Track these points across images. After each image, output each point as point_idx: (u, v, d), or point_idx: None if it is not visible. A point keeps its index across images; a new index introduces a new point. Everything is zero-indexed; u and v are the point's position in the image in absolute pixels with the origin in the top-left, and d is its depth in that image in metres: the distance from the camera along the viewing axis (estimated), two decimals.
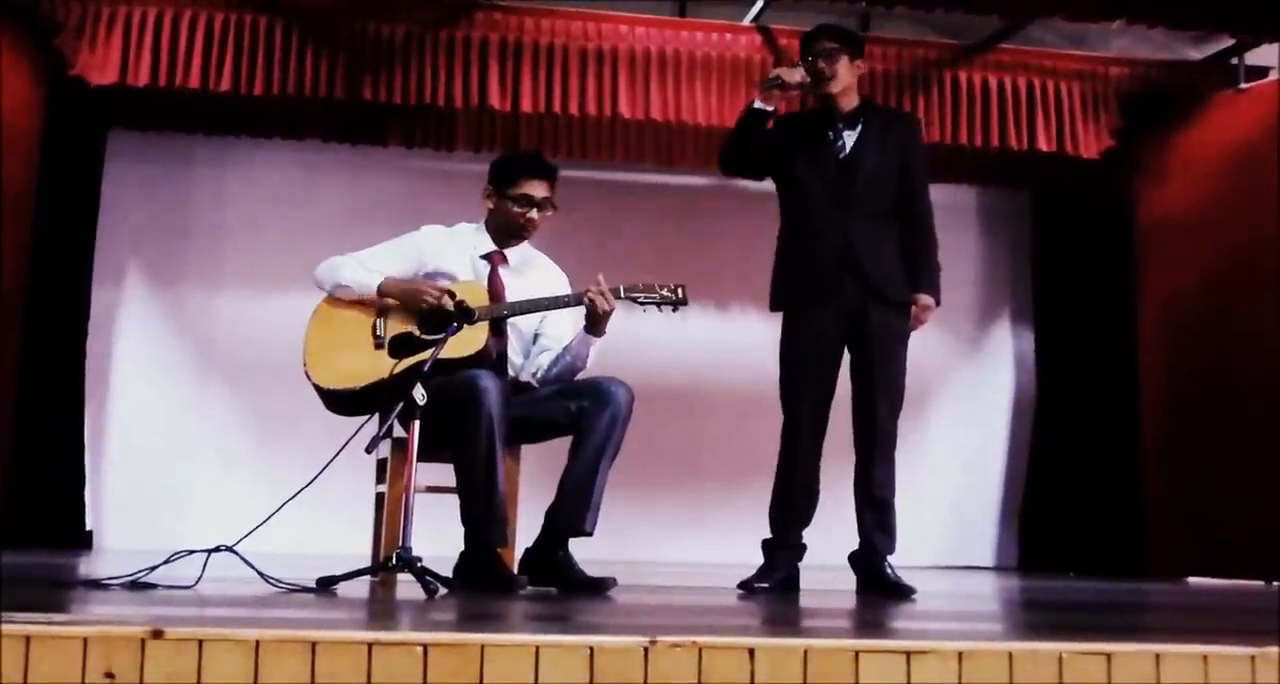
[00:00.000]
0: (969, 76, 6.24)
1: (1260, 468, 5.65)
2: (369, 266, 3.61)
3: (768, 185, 4.04)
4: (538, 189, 3.67)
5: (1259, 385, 5.77)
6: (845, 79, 3.85)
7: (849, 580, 3.81)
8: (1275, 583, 5.48)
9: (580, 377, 3.66)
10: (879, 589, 3.64)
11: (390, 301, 3.54)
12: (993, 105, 6.23)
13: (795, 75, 3.78)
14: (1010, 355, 7.74)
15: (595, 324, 3.56)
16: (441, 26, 5.89)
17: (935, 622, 2.78)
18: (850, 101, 3.89)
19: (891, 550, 3.73)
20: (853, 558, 3.78)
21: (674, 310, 3.66)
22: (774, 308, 3.91)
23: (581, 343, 3.62)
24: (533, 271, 3.77)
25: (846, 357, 3.83)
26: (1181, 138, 6.43)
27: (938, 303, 3.85)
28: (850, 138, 3.84)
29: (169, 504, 6.54)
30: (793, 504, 3.79)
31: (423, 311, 3.49)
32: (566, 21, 5.98)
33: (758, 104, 3.80)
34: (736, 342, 6.95)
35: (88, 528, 6.43)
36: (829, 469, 3.84)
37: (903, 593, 3.59)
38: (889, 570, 3.69)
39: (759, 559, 3.81)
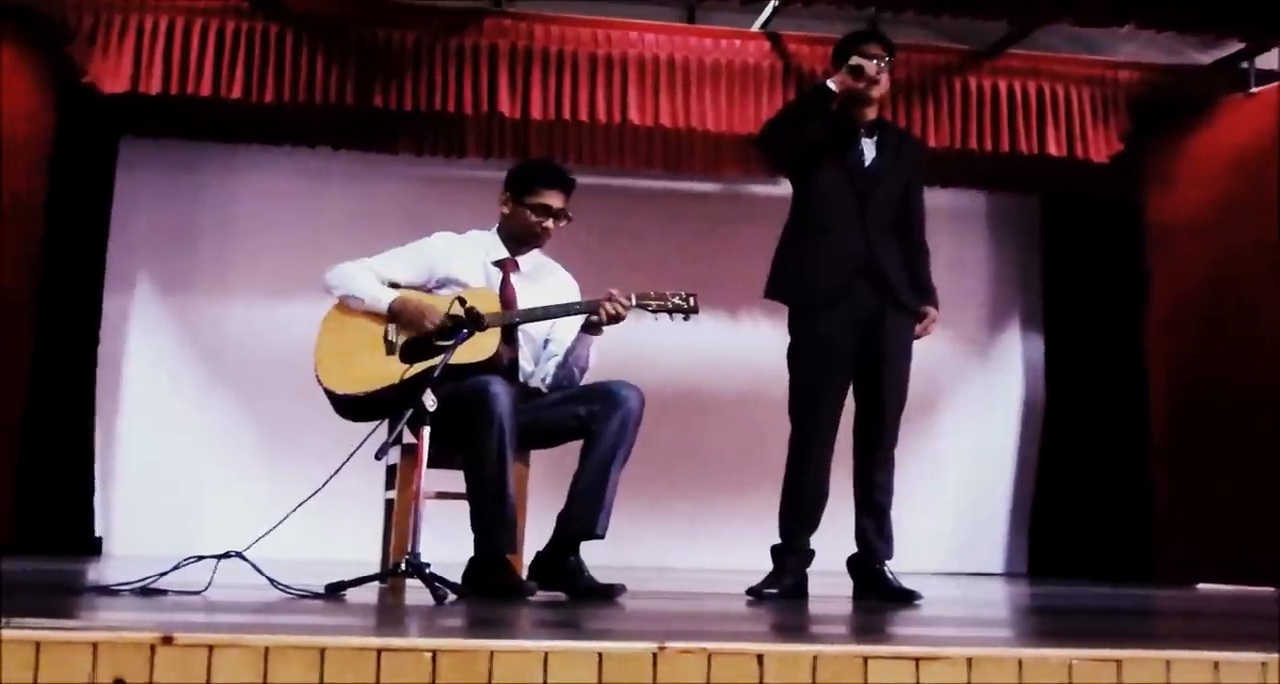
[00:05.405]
0: (978, 81, 6.23)
1: (1270, 473, 5.61)
2: (380, 274, 3.62)
3: (775, 190, 4.03)
4: (555, 199, 3.70)
5: (1268, 390, 5.74)
6: (884, 90, 3.88)
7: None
8: None
9: (590, 380, 3.66)
10: (884, 597, 3.67)
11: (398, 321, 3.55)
12: (1002, 110, 6.22)
13: (872, 68, 3.77)
14: (1020, 361, 7.71)
15: (595, 325, 3.58)
16: (451, 33, 5.90)
17: (944, 627, 2.77)
18: (873, 113, 3.90)
19: (891, 556, 3.75)
20: (851, 562, 3.80)
21: (685, 318, 3.65)
22: (771, 295, 3.88)
23: (582, 343, 3.64)
24: (544, 278, 3.78)
25: None
26: (1191, 142, 6.41)
27: None
28: (869, 148, 3.86)
29: (179, 510, 6.54)
30: (804, 513, 3.79)
31: (429, 336, 3.48)
32: (576, 28, 5.98)
33: (832, 84, 3.75)
34: (745, 347, 6.94)
35: (97, 534, 6.46)
36: (833, 473, 3.82)
37: (908, 599, 3.61)
38: (891, 577, 3.71)
39: (768, 565, 3.80)
